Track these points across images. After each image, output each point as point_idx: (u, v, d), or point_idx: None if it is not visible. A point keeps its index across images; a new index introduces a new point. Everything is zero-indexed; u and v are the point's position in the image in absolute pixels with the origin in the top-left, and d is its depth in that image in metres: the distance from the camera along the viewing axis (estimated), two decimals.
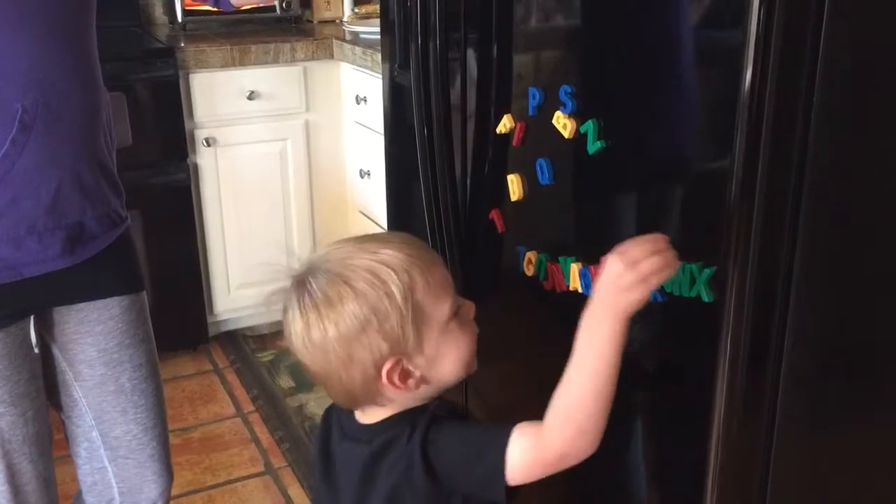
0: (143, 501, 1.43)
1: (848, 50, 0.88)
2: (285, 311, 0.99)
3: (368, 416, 1.02)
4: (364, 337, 0.94)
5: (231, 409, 2.51)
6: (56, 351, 1.35)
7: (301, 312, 0.96)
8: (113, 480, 1.42)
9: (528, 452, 0.93)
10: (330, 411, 1.10)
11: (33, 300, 1.28)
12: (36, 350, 1.32)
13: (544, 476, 0.94)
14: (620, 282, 0.87)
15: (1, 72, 1.13)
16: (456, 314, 0.99)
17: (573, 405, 0.90)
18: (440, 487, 0.97)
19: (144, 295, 1.41)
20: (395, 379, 0.96)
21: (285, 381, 2.63)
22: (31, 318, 1.31)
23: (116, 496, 1.43)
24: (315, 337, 0.95)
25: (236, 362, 2.76)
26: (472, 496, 0.98)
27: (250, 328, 2.93)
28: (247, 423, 2.45)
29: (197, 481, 2.19)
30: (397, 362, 0.96)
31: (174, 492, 2.09)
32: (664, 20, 1.01)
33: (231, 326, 2.92)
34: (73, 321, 1.33)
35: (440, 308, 0.97)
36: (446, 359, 0.98)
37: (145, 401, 1.39)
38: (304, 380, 2.63)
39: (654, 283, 0.88)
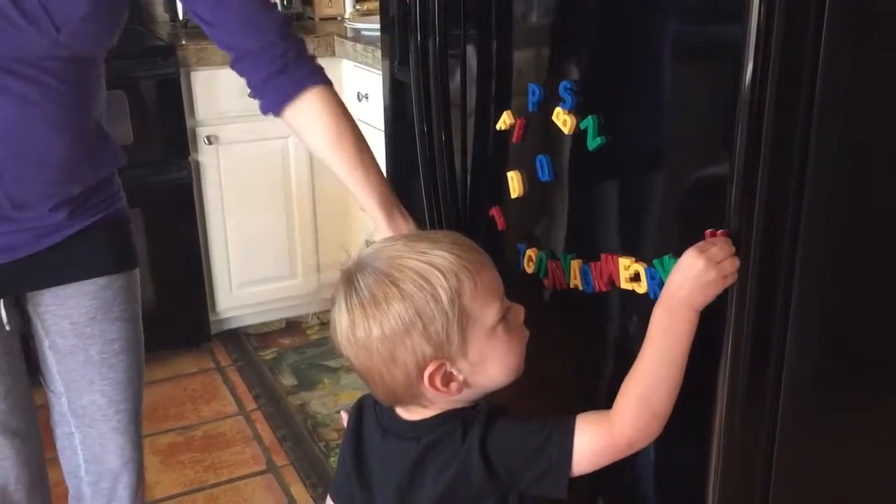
0: (106, 472, 1.46)
1: (849, 46, 0.87)
2: (332, 305, 0.98)
3: (413, 413, 1.01)
4: (408, 339, 0.93)
5: (233, 408, 2.51)
6: (35, 320, 1.39)
7: (347, 309, 0.95)
8: (78, 447, 1.46)
9: (597, 440, 0.93)
10: (362, 406, 1.09)
11: (5, 287, 1.31)
12: (7, 328, 1.34)
13: (609, 463, 0.95)
14: (704, 278, 0.89)
15: None
16: (504, 318, 0.97)
17: (651, 392, 0.92)
18: (499, 485, 0.96)
19: (129, 276, 1.42)
20: (437, 382, 0.95)
21: (287, 380, 2.63)
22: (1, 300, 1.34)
23: (81, 462, 1.47)
24: (359, 335, 0.95)
25: (238, 361, 2.76)
26: (529, 491, 0.97)
27: (252, 326, 2.93)
28: (249, 421, 2.45)
29: (199, 480, 2.19)
30: (440, 366, 0.95)
31: (176, 490, 2.11)
32: (664, 15, 1.00)
33: (233, 325, 2.92)
34: (49, 294, 1.36)
35: (487, 313, 0.96)
36: (491, 364, 0.97)
37: (114, 375, 1.42)
38: (305, 378, 2.63)
39: (731, 281, 0.90)
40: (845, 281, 0.98)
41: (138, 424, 1.48)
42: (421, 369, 0.95)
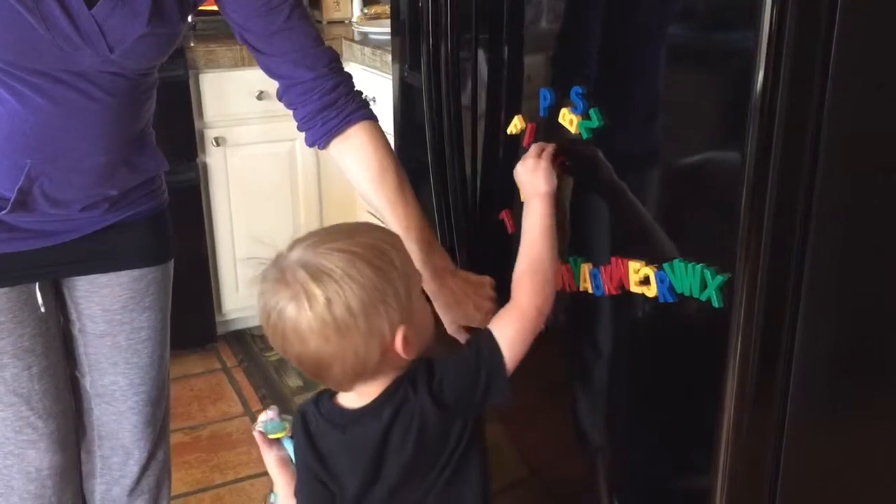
0: (118, 447, 1.49)
1: (861, 52, 0.88)
2: (266, 302, 1.02)
3: (362, 396, 1.03)
4: (382, 306, 0.96)
5: (239, 408, 2.52)
6: (69, 303, 1.41)
7: (313, 292, 0.96)
8: (94, 423, 1.48)
9: (514, 325, 1.05)
10: (305, 415, 1.10)
11: (41, 270, 1.33)
12: (42, 309, 1.35)
13: (531, 340, 1.05)
14: (527, 169, 1.14)
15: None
16: None
17: (537, 261, 1.09)
18: (455, 420, 1.02)
19: (163, 268, 1.44)
20: (403, 346, 0.98)
21: (293, 381, 2.64)
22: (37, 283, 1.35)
23: (95, 437, 1.49)
24: (337, 313, 0.95)
25: (244, 361, 2.76)
26: (483, 406, 1.04)
27: (258, 327, 2.93)
28: (255, 422, 2.45)
29: (205, 480, 2.20)
30: (404, 329, 0.98)
31: (182, 489, 2.11)
32: (677, 21, 1.01)
33: (239, 326, 2.92)
34: (84, 280, 1.39)
35: (417, 279, 1.03)
36: (424, 325, 1.04)
37: (137, 360, 1.44)
38: (311, 379, 2.63)
39: (545, 158, 1.14)
40: (855, 283, 0.98)
41: (156, 407, 1.50)
42: (393, 334, 0.97)
